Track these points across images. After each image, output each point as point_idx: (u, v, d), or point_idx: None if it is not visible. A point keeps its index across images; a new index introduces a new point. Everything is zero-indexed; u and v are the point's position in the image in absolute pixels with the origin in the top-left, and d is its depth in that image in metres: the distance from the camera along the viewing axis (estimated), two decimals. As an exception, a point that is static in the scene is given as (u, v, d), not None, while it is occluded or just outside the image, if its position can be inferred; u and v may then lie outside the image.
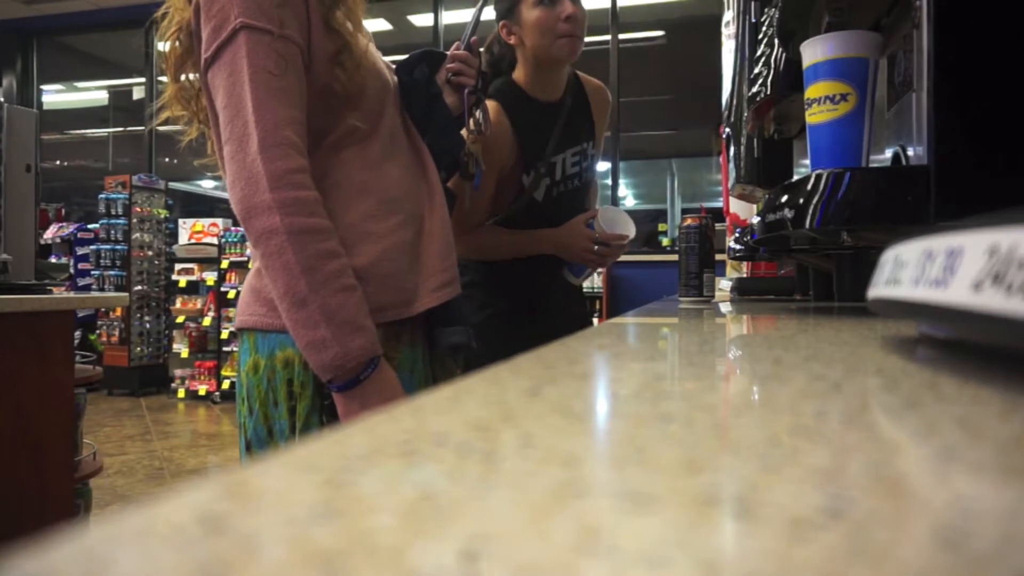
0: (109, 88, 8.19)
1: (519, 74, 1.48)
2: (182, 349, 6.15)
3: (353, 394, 0.88)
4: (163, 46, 1.00)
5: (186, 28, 0.96)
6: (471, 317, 1.13)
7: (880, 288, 0.43)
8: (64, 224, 6.68)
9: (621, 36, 5.91)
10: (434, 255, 1.02)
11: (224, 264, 5.98)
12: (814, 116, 0.79)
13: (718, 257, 1.55)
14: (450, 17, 6.55)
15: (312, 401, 0.92)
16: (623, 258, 5.64)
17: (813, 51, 0.78)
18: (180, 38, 0.97)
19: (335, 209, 0.93)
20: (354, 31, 0.96)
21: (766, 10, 1.13)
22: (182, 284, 6.25)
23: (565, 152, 1.51)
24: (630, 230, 1.50)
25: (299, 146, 0.88)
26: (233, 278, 5.98)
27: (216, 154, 0.99)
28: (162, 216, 6.45)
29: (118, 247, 6.17)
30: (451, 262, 1.05)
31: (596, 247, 1.46)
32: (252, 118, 0.85)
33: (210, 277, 6.07)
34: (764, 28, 1.13)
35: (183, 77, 1.00)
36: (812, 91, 0.79)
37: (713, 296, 1.41)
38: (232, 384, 5.78)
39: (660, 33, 6.38)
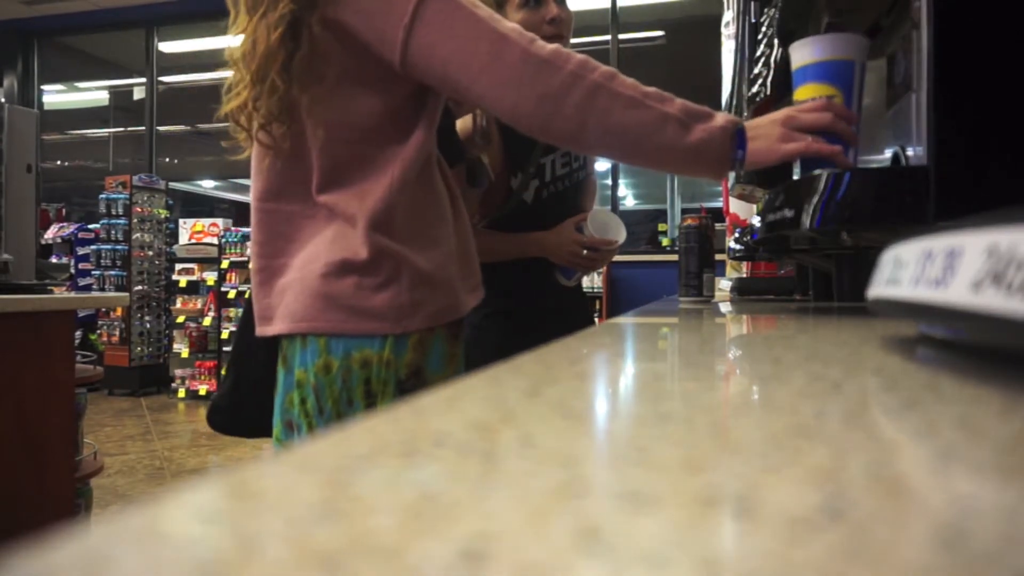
0: (109, 88, 8.19)
1: None
2: (182, 349, 6.15)
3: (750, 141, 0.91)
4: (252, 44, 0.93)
5: (291, 21, 0.89)
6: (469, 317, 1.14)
7: (880, 288, 0.43)
8: (65, 224, 6.68)
9: (621, 36, 5.90)
10: (467, 256, 1.08)
11: (224, 264, 5.97)
12: None
13: (718, 257, 1.55)
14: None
15: (393, 396, 0.96)
16: (623, 258, 5.65)
17: (800, 54, 0.79)
18: (283, 32, 0.90)
19: (418, 209, 0.98)
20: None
21: (766, 10, 1.13)
22: (182, 284, 6.25)
23: (554, 154, 1.50)
24: (620, 235, 1.50)
25: None
26: (233, 278, 5.98)
27: (314, 131, 0.95)
28: (162, 216, 6.45)
29: (118, 247, 6.18)
30: (477, 264, 1.11)
31: (585, 251, 1.46)
32: (496, 32, 0.87)
33: (210, 277, 6.07)
34: (764, 28, 1.13)
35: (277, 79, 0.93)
36: (800, 93, 0.79)
37: (713, 296, 1.41)
38: (232, 384, 5.77)
39: (660, 33, 6.37)
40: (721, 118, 0.90)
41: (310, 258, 0.98)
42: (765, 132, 0.88)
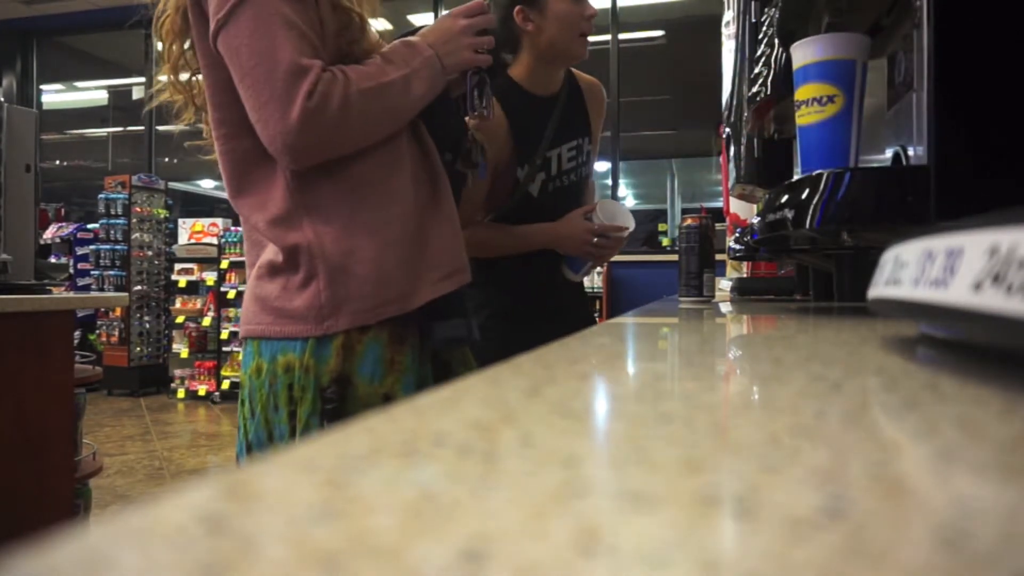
0: (109, 88, 8.19)
1: (517, 66, 1.47)
2: (182, 349, 6.15)
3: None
4: (156, 30, 1.01)
5: (181, 8, 0.97)
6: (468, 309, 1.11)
7: (880, 288, 0.43)
8: (64, 224, 6.67)
9: (621, 36, 5.90)
10: (438, 245, 1.00)
11: (224, 264, 5.97)
12: (803, 118, 0.79)
13: (718, 257, 1.55)
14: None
15: (312, 405, 0.92)
16: (623, 258, 5.65)
17: (801, 53, 0.79)
18: (175, 19, 0.98)
19: (330, 202, 0.94)
20: (360, 10, 0.98)
21: (766, 10, 1.13)
22: (182, 284, 6.25)
23: (560, 147, 1.50)
24: (629, 222, 1.50)
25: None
26: (233, 278, 5.98)
27: (212, 137, 0.99)
28: (162, 216, 6.45)
29: (118, 247, 6.17)
30: (456, 251, 1.03)
31: (595, 239, 1.45)
32: (282, 73, 0.86)
33: (210, 277, 6.07)
34: (764, 28, 1.13)
35: (177, 50, 1.01)
36: (801, 93, 0.79)
37: (713, 296, 1.41)
38: (232, 384, 5.77)
39: (660, 33, 6.38)
40: (422, 47, 0.97)
41: (254, 261, 1.00)
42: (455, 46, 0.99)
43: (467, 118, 1.16)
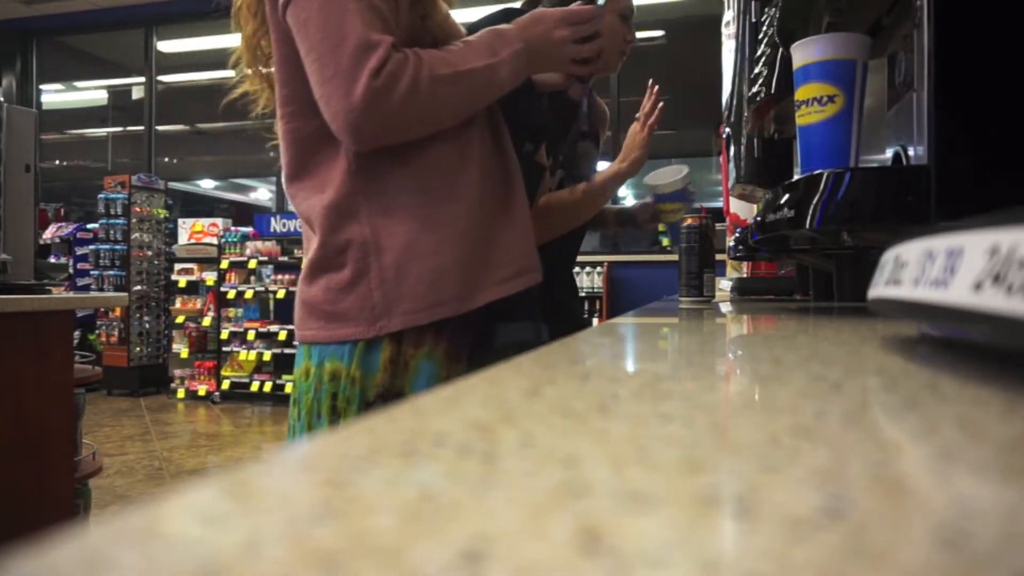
0: (108, 88, 8.18)
1: None
2: (182, 349, 6.15)
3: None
4: (235, 16, 0.97)
5: None
6: (537, 312, 1.02)
7: (880, 288, 0.43)
8: (63, 224, 6.67)
9: (621, 36, 5.89)
10: (505, 243, 0.94)
11: (224, 264, 5.97)
12: (803, 117, 0.79)
13: (718, 257, 1.55)
14: (456, 16, 6.55)
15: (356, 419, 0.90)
16: (623, 258, 5.64)
17: (801, 53, 0.79)
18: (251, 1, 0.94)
19: (392, 191, 0.88)
20: None
21: (766, 10, 1.13)
22: (182, 284, 6.25)
23: (578, 147, 1.53)
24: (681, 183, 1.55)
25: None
26: (233, 278, 5.97)
27: (280, 118, 0.93)
28: (162, 216, 6.45)
29: (117, 247, 6.17)
30: (526, 249, 0.97)
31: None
32: (350, 50, 0.82)
33: (210, 277, 6.07)
34: (764, 28, 1.13)
35: (253, 29, 0.96)
36: (801, 93, 0.79)
37: (713, 296, 1.41)
38: (232, 384, 5.77)
39: (660, 33, 6.37)
40: (512, 38, 0.92)
41: (304, 261, 0.95)
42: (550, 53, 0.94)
43: (579, 139, 1.13)
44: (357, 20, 0.82)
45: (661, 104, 1.46)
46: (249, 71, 0.99)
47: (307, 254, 0.93)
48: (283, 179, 0.95)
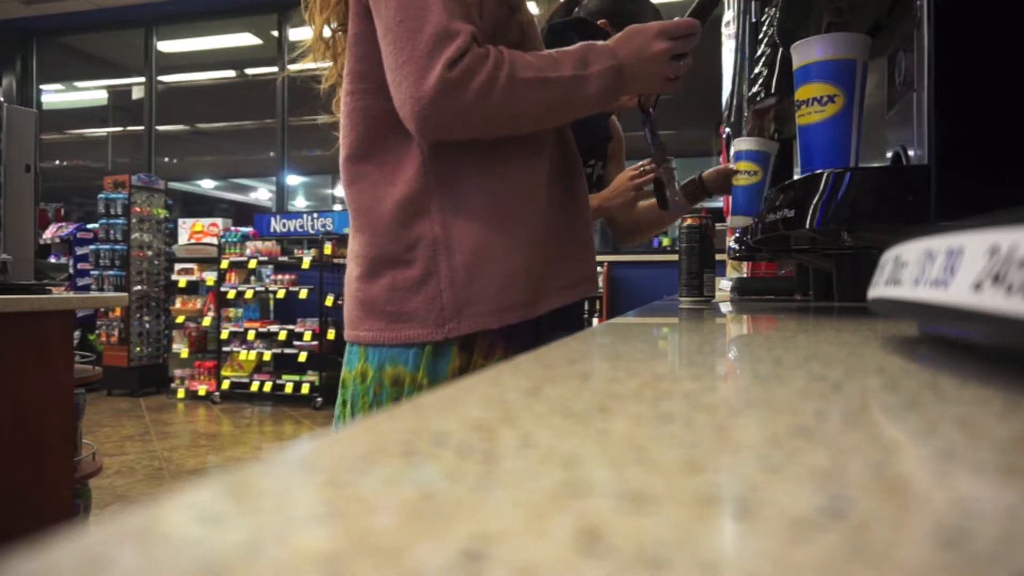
0: (108, 88, 8.18)
1: None
2: (182, 349, 6.15)
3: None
4: None
5: None
6: (581, 321, 1.02)
7: (880, 288, 0.43)
8: (63, 224, 6.67)
9: (621, 36, 5.89)
10: (567, 251, 0.93)
11: (224, 264, 5.97)
12: (803, 117, 0.79)
13: (718, 257, 1.55)
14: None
15: None
16: (623, 258, 5.62)
17: (802, 53, 0.79)
18: None
19: (468, 189, 0.86)
20: None
21: (766, 10, 1.13)
22: (182, 284, 6.25)
23: (597, 164, 1.55)
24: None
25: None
26: (233, 278, 5.97)
27: (350, 94, 0.90)
28: (162, 216, 6.45)
29: (117, 247, 6.17)
30: (586, 259, 0.97)
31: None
32: (428, 38, 0.79)
33: (210, 277, 6.07)
34: (764, 28, 1.13)
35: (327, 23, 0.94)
36: (802, 92, 0.79)
37: (713, 296, 1.41)
38: (232, 384, 5.77)
39: (660, 33, 6.37)
40: (606, 54, 0.86)
41: (354, 252, 0.90)
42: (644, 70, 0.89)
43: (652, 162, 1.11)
44: (438, 6, 0.79)
45: (651, 175, 1.46)
46: (313, 34, 0.96)
47: (360, 247, 0.90)
48: (343, 158, 0.91)
